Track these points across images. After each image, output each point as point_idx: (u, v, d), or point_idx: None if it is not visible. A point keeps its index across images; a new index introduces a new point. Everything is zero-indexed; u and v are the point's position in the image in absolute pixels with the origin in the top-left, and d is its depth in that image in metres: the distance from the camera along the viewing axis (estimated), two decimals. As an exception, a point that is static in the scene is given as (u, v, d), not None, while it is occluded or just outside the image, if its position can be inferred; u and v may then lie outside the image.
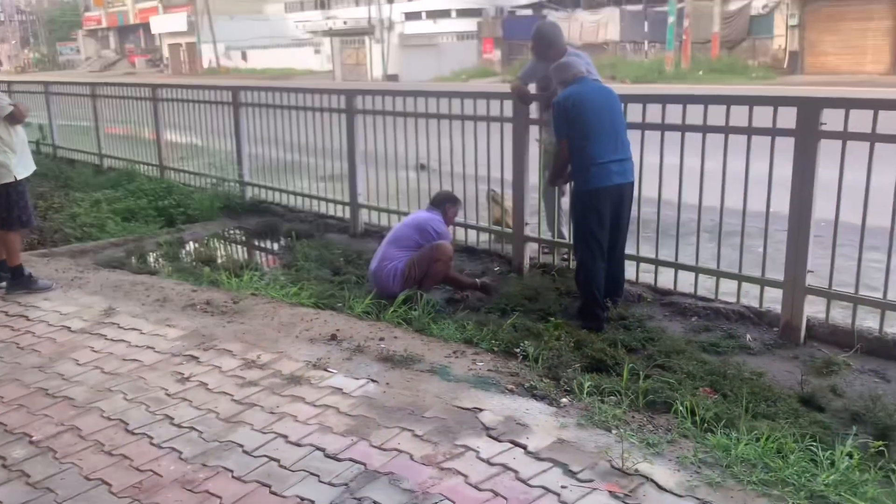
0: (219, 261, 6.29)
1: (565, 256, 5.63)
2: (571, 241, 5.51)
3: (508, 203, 6.02)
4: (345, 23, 51.66)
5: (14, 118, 5.04)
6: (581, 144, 4.49)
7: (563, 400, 3.34)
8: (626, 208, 4.66)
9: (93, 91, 11.00)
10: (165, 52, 63.18)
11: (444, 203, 5.38)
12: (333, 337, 4.11)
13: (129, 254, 6.45)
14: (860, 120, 4.04)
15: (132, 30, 71.67)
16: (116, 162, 10.52)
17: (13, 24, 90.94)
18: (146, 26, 66.46)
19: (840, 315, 4.40)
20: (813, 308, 4.39)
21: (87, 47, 79.25)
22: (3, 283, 5.19)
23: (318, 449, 2.97)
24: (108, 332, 4.32)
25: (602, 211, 4.53)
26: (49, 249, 6.59)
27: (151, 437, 3.12)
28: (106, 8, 72.97)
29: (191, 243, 7.04)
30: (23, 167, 5.17)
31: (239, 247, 7.22)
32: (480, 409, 3.22)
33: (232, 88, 8.47)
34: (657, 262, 5.06)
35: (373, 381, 3.55)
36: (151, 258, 6.43)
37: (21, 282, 5.12)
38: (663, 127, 4.84)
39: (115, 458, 2.98)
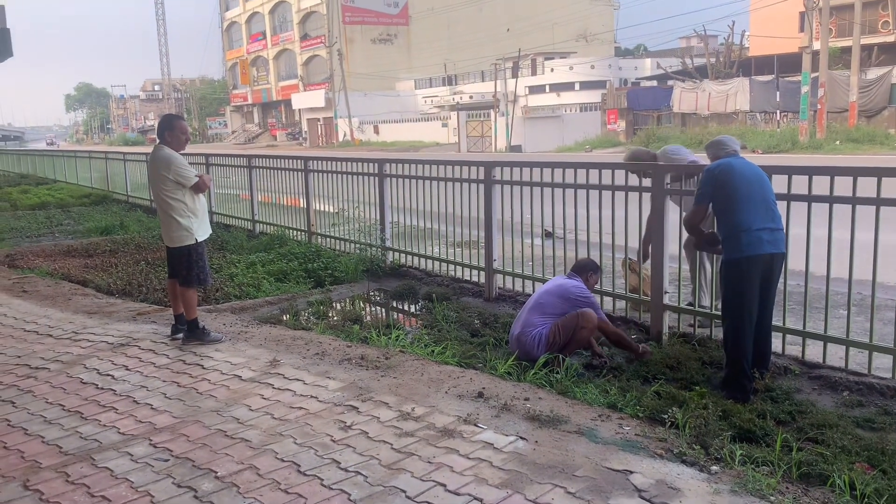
0: (366, 319, 6.68)
1: (701, 324, 5.62)
2: (712, 311, 5.53)
3: (646, 271, 6.10)
4: (471, 97, 53.69)
5: (198, 188, 5.69)
6: (730, 211, 4.56)
7: (714, 467, 3.36)
8: (775, 279, 4.64)
9: (249, 162, 12.01)
10: (304, 126, 67.47)
11: (587, 270, 5.54)
12: (480, 394, 4.31)
13: (283, 311, 6.96)
14: None
15: (274, 105, 77.25)
16: (268, 227, 11.36)
17: (170, 100, 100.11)
18: (287, 102, 71.48)
19: None
20: (980, 387, 4.18)
21: (234, 121, 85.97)
22: (180, 335, 5.77)
23: (476, 499, 3.13)
24: (274, 381, 4.72)
25: (752, 280, 4.52)
26: (213, 306, 7.21)
27: (322, 479, 3.39)
28: (252, 86, 79.14)
29: (338, 303, 7.50)
30: (203, 231, 5.79)
31: (382, 307, 7.61)
32: (631, 472, 3.30)
33: (378, 161, 9.07)
34: (805, 335, 4.98)
35: (522, 438, 3.70)
36: (304, 315, 6.90)
37: (196, 334, 5.67)
38: (810, 198, 4.83)
39: (291, 496, 3.27)
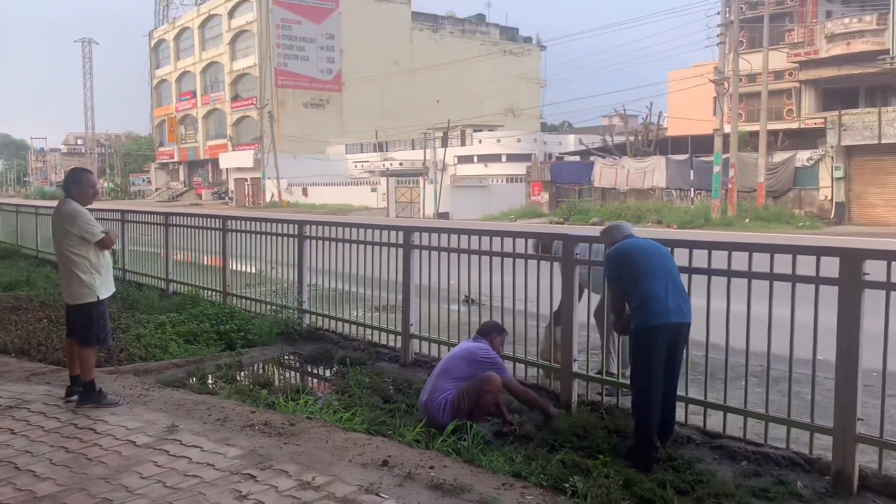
0: (276, 384, 6.50)
1: (609, 392, 5.71)
2: (619, 379, 5.64)
3: (558, 338, 6.18)
4: (401, 164, 54.39)
5: (104, 244, 5.51)
6: (635, 285, 4.70)
7: (612, 537, 3.36)
8: (681, 348, 4.78)
9: (166, 220, 11.74)
10: (231, 185, 66.69)
11: (491, 332, 5.59)
12: (385, 463, 4.22)
13: (190, 374, 6.72)
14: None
15: (201, 164, 76.27)
16: (182, 287, 11.05)
17: (93, 155, 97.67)
18: (215, 161, 70.75)
19: (894, 465, 4.34)
20: (865, 457, 4.35)
21: (158, 179, 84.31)
22: (75, 397, 5.48)
23: (370, 571, 3.03)
24: (170, 447, 4.51)
25: (659, 348, 4.64)
26: (115, 367, 6.90)
27: (210, 551, 3.23)
28: (179, 143, 78.15)
29: (249, 366, 7.29)
30: (105, 288, 5.58)
31: (294, 372, 7.43)
32: (529, 541, 3.26)
33: (298, 222, 9.01)
34: (706, 405, 5.10)
35: (423, 507, 3.63)
36: (212, 379, 6.68)
37: (91, 396, 5.39)
38: (710, 272, 5.03)
39: (174, 570, 3.09)
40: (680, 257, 5.11)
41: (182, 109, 78.53)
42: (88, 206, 5.64)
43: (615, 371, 5.91)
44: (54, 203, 6.22)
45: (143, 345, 7.74)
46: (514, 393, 5.26)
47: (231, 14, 69.23)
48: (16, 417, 5.17)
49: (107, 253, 5.65)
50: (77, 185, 5.59)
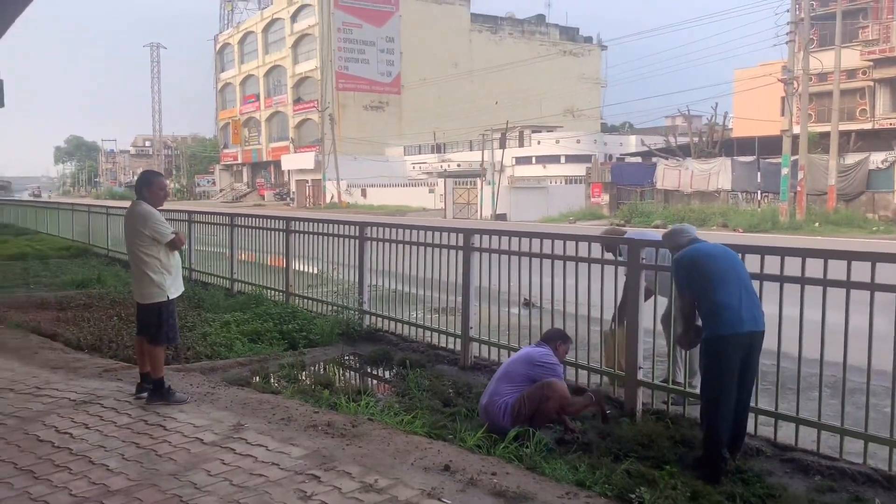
0: (337, 384, 6.57)
1: (675, 402, 5.57)
2: (686, 388, 5.49)
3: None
4: (458, 165, 54.43)
5: (174, 244, 5.66)
6: (707, 292, 4.56)
7: (680, 551, 3.27)
8: (755, 358, 4.62)
9: (231, 221, 12.01)
10: (293, 187, 67.94)
11: (555, 340, 5.51)
12: (447, 468, 4.21)
13: (253, 373, 6.84)
14: None
15: (264, 165, 77.88)
16: (246, 286, 11.28)
17: (160, 157, 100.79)
18: (277, 163, 72.16)
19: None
20: (951, 476, 4.14)
21: (222, 180, 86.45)
22: (145, 394, 5.63)
23: (433, 577, 3.02)
24: (236, 446, 4.59)
25: (732, 358, 4.49)
26: (183, 365, 7.08)
27: (275, 551, 3.26)
28: (242, 146, 79.97)
29: (311, 366, 7.38)
30: (175, 288, 5.73)
31: (355, 372, 7.50)
32: (595, 553, 3.20)
33: (359, 224, 9.09)
34: (777, 416, 4.93)
35: (486, 514, 3.60)
36: (274, 378, 6.78)
37: (161, 393, 5.53)
38: (782, 279, 4.86)
39: (241, 568, 3.13)
40: (751, 263, 4.96)
41: (246, 112, 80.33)
42: (159, 208, 5.79)
43: (681, 380, 5.77)
44: (123, 203, 6.43)
45: (209, 343, 7.92)
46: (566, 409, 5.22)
47: (294, 18, 70.52)
48: (90, 412, 5.34)
49: (177, 253, 5.80)
50: (148, 187, 5.74)
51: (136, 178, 6.24)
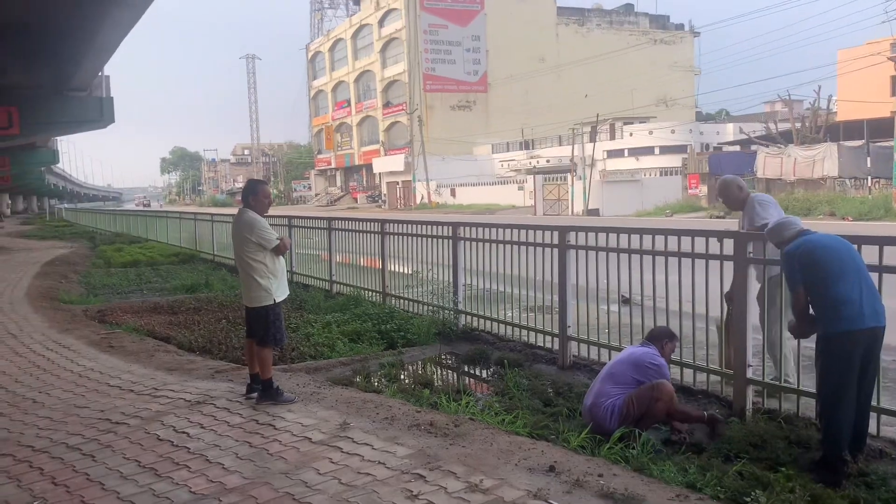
0: (436, 384, 6.63)
1: (785, 400, 5.32)
2: (799, 386, 5.24)
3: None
4: (547, 161, 53.97)
5: (279, 250, 5.85)
6: (825, 286, 4.33)
7: (803, 558, 3.12)
8: (876, 354, 4.37)
9: (329, 224, 12.33)
10: (384, 189, 69.15)
11: (662, 338, 5.37)
12: (552, 468, 4.17)
13: (355, 372, 6.98)
14: None
15: (356, 169, 79.65)
16: (344, 288, 11.55)
17: (258, 164, 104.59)
18: (368, 166, 73.63)
19: None
20: None
21: (317, 184, 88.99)
22: (255, 394, 5.85)
23: (544, 579, 3.00)
24: (343, 445, 4.70)
25: (853, 355, 4.27)
26: (288, 365, 7.31)
27: (386, 549, 3.32)
28: (335, 151, 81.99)
29: (410, 365, 7.49)
30: (281, 292, 5.92)
31: (453, 372, 7.55)
32: (710, 558, 3.10)
33: (452, 224, 9.15)
34: (903, 416, 4.64)
35: (594, 516, 3.54)
36: (375, 378, 6.91)
37: (270, 394, 5.74)
38: (905, 270, 4.57)
39: (354, 565, 3.20)
40: (868, 254, 4.68)
41: (337, 118, 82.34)
42: (265, 214, 6.00)
43: (791, 378, 5.51)
44: (226, 210, 6.68)
45: (312, 344, 8.15)
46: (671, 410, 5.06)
47: (381, 23, 71.72)
48: (204, 412, 5.59)
49: (282, 258, 5.99)
50: (254, 195, 5.96)
51: (236, 185, 6.51)
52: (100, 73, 20.44)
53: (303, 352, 7.91)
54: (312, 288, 12.31)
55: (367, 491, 3.97)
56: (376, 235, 10.72)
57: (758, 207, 6.10)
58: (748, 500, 3.73)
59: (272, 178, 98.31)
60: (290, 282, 13.03)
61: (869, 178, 32.20)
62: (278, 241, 5.83)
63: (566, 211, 43.61)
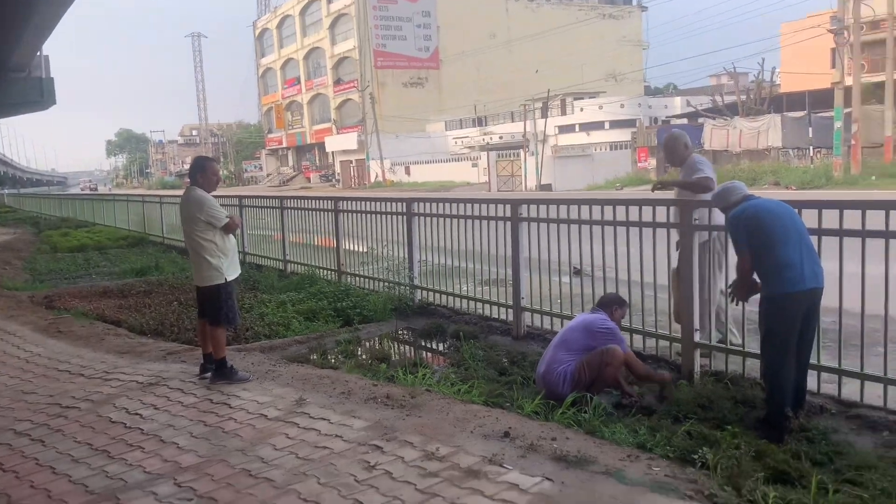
0: (393, 358, 6.66)
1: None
2: (744, 348, 5.41)
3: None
4: (500, 138, 54.05)
5: (229, 228, 5.78)
6: (768, 250, 4.48)
7: (747, 509, 3.26)
8: (815, 314, 4.55)
9: (281, 204, 12.19)
10: (337, 168, 68.47)
11: (611, 305, 5.48)
12: (506, 434, 4.25)
13: (312, 350, 6.97)
14: None
15: (308, 149, 78.63)
16: (299, 267, 11.47)
17: (207, 145, 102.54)
18: (321, 145, 72.74)
19: None
20: None
21: (269, 164, 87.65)
22: (208, 374, 5.80)
23: (500, 540, 3.07)
24: (299, 420, 4.71)
25: (795, 316, 4.44)
26: (243, 345, 7.26)
27: (344, 519, 3.36)
28: (286, 129, 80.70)
29: (366, 341, 7.50)
30: (232, 270, 5.86)
31: (410, 346, 7.59)
32: (659, 513, 3.21)
33: (406, 200, 9.14)
34: (841, 372, 4.84)
35: (548, 479, 3.63)
36: (332, 355, 6.91)
37: (224, 373, 5.70)
38: (842, 233, 4.74)
39: (312, 536, 3.23)
40: (808, 218, 4.84)
41: (288, 96, 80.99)
42: (214, 193, 5.91)
43: (736, 336, 5.69)
44: (176, 192, 6.56)
45: (267, 323, 8.10)
46: (632, 369, 5.15)
47: (329, -2, 70.54)
48: (157, 394, 5.52)
49: (232, 237, 5.92)
50: (202, 172, 5.87)
51: (185, 166, 6.40)
52: (39, 53, 19.76)
53: (257, 331, 7.85)
54: (266, 268, 12.19)
55: (325, 464, 3.99)
56: (330, 213, 10.65)
57: (697, 164, 6.36)
58: (696, 457, 3.86)
59: (222, 159, 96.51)
60: (243, 263, 12.91)
61: (811, 147, 33.08)
62: (228, 219, 5.76)
63: (520, 187, 43.84)
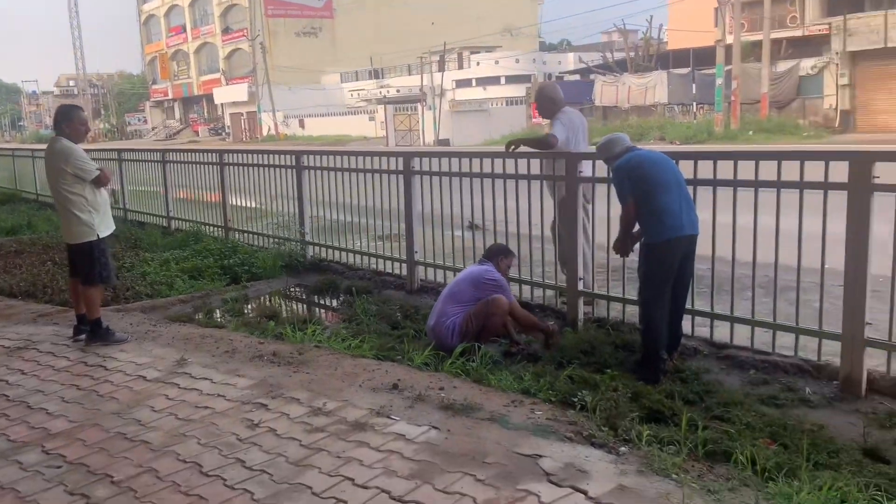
0: (283, 315, 6.52)
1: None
2: (624, 295, 5.61)
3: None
4: (398, 91, 53.44)
5: (99, 181, 5.43)
6: (650, 198, 4.62)
7: (623, 448, 3.39)
8: (691, 260, 4.76)
9: (163, 157, 11.61)
10: (227, 121, 65.90)
11: (497, 255, 5.54)
12: (395, 386, 4.25)
13: (196, 309, 6.73)
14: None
15: (196, 100, 75.18)
16: (183, 224, 11.01)
17: (86, 96, 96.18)
18: (209, 97, 69.68)
19: (902, 368, 4.35)
20: (873, 361, 4.36)
21: (154, 117, 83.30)
22: (83, 336, 5.49)
23: (384, 491, 3.07)
24: (180, 381, 4.54)
25: (673, 262, 4.62)
26: (122, 305, 6.92)
27: (225, 479, 3.27)
28: (172, 80, 76.79)
29: (255, 299, 7.31)
30: (105, 226, 5.53)
31: (301, 303, 7.45)
32: (541, 456, 3.29)
33: (295, 153, 8.88)
34: (712, 316, 5.09)
35: (434, 428, 3.66)
36: (218, 313, 6.69)
37: (99, 334, 5.41)
38: (715, 182, 4.94)
39: (191, 499, 3.13)
40: (684, 169, 5.00)
41: (172, 45, 76.83)
42: (82, 145, 5.52)
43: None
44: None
45: (149, 282, 7.75)
46: (515, 317, 5.24)
47: (215, -60, 66.94)
48: (25, 358, 5.20)
49: (104, 191, 5.58)
50: (68, 122, 5.46)
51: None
52: None
53: (138, 291, 7.49)
54: (149, 226, 11.64)
55: (206, 424, 3.87)
56: (215, 167, 10.22)
57: (554, 121, 6.42)
58: (576, 400, 3.98)
59: (103, 112, 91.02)
60: (124, 220, 12.34)
61: (695, 103, 34.46)
62: (98, 172, 5.40)
63: (418, 141, 43.63)
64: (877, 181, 4.18)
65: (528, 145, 6.60)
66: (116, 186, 12.98)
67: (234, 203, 10.13)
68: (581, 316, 5.73)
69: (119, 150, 13.26)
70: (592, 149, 5.55)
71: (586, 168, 5.81)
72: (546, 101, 6.67)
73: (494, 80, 50.80)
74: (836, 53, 29.24)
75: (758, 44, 31.84)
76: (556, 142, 6.19)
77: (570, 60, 53.53)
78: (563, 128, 6.32)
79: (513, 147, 6.51)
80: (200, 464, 3.43)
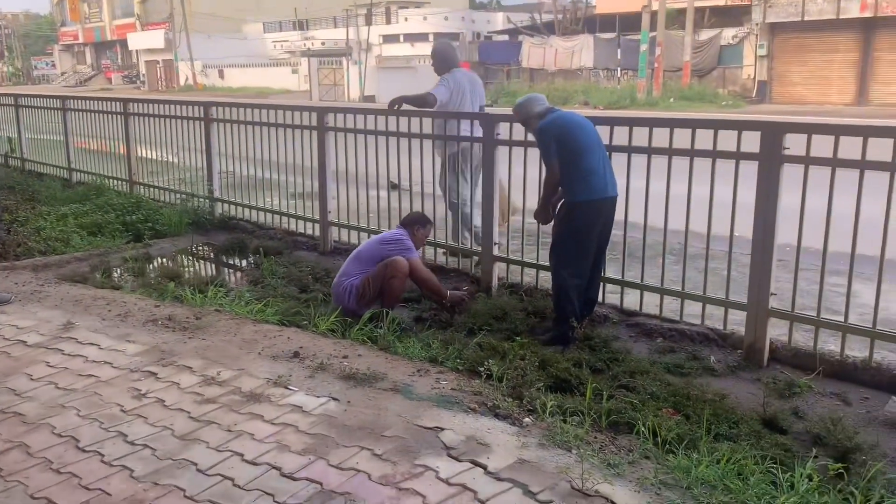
0: (185, 277, 6.20)
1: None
2: (538, 260, 5.55)
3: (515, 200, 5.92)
4: (323, 44, 51.93)
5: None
6: (575, 158, 4.53)
7: (526, 419, 3.32)
8: (610, 222, 4.73)
9: (63, 104, 10.87)
10: (142, 69, 62.88)
11: (415, 224, 5.33)
12: (296, 354, 4.06)
13: (93, 268, 6.33)
14: (822, 146, 4.11)
15: (109, 46, 71.38)
16: (86, 176, 10.39)
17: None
18: (123, 42, 66.23)
19: (803, 338, 4.44)
20: (776, 331, 4.43)
21: (63, 62, 78.74)
22: (-40, 297, 5.07)
23: (274, 468, 2.91)
24: (65, 346, 4.23)
25: (595, 223, 4.57)
26: (11, 263, 6.44)
27: (103, 455, 3.04)
28: (83, 23, 72.60)
29: (157, 259, 6.94)
30: (-17, 178, 5.07)
31: (206, 263, 7.12)
32: (442, 429, 3.18)
33: (203, 104, 8.42)
34: (623, 283, 5.08)
35: (334, 399, 3.50)
36: (116, 273, 6.32)
37: (-23, 295, 5.00)
38: (630, 149, 4.88)
39: (63, 477, 2.90)
40: (602, 135, 4.93)
41: (83, -16, 72.38)
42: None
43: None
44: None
45: (43, 238, 7.26)
46: (417, 280, 5.07)
47: None
48: None
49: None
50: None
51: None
52: None
53: (31, 247, 7.01)
54: (48, 177, 10.96)
55: (88, 394, 3.60)
56: (119, 117, 9.62)
57: (440, 83, 6.51)
58: (482, 369, 3.89)
59: (6, 54, 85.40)
60: (22, 170, 11.57)
61: (619, 69, 34.78)
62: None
63: (343, 96, 42.64)
64: (787, 152, 4.19)
65: (410, 103, 6.47)
66: (13, 135, 12.17)
67: (141, 155, 9.59)
68: (495, 282, 5.64)
69: (16, 96, 12.35)
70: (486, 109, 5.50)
71: (465, 128, 5.93)
72: (438, 61, 6.71)
73: (423, 37, 49.89)
74: (756, 24, 29.92)
75: (683, 11, 32.24)
76: (434, 101, 6.24)
77: (499, 20, 53.08)
78: (447, 89, 6.36)
79: (396, 105, 6.34)
80: (78, 438, 3.18)
